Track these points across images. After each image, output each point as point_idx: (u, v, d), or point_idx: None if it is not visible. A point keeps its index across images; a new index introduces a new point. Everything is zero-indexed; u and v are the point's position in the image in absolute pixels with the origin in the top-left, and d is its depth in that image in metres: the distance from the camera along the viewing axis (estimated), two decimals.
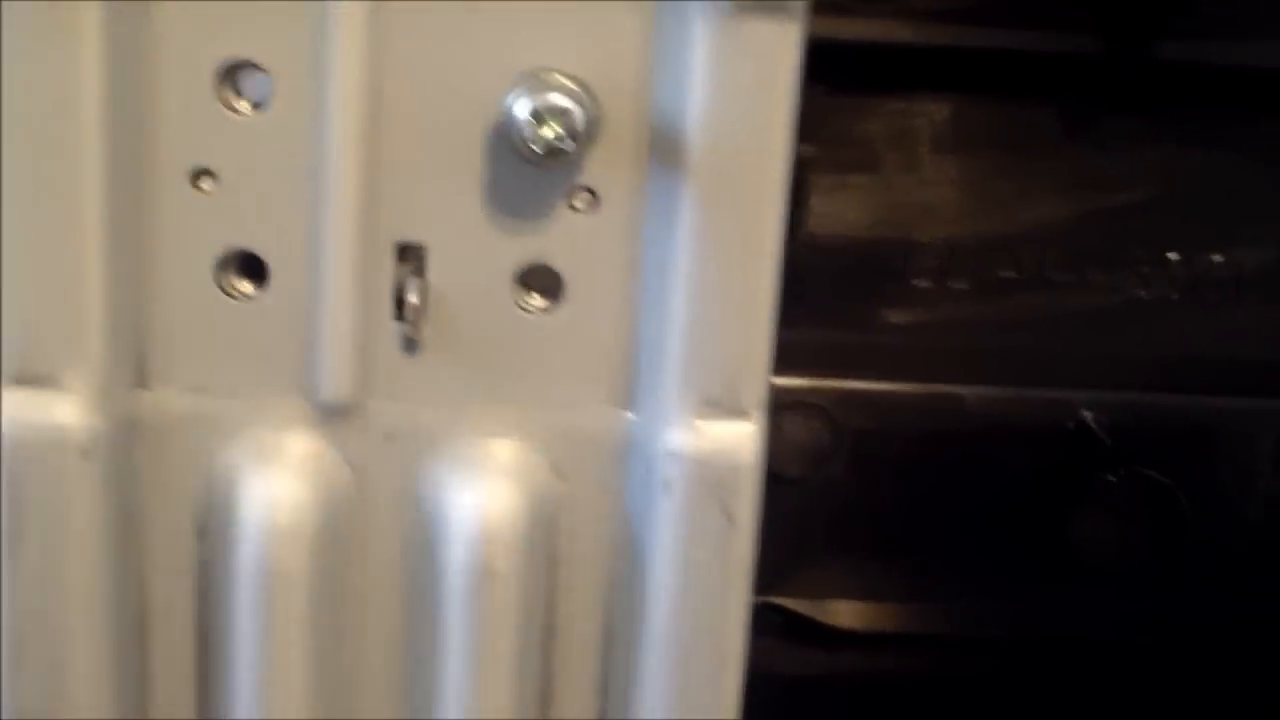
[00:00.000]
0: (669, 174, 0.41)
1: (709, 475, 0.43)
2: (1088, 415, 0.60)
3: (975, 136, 0.58)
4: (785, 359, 0.44)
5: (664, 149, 0.41)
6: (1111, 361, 0.60)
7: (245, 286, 0.43)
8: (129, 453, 0.43)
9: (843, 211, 0.57)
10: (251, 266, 0.43)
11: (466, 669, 0.44)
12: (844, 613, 0.62)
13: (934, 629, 0.63)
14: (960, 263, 0.59)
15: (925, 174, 0.58)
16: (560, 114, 0.39)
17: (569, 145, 0.39)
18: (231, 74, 0.41)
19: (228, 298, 0.42)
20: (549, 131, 0.39)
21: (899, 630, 0.63)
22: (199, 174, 0.41)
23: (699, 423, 0.43)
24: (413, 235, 0.42)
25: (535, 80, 0.40)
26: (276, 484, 0.43)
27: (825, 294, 0.58)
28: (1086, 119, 0.58)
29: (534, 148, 0.39)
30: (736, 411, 0.43)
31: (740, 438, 0.43)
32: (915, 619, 0.63)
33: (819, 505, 0.60)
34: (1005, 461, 0.60)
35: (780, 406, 0.44)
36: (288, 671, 0.44)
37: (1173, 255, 0.60)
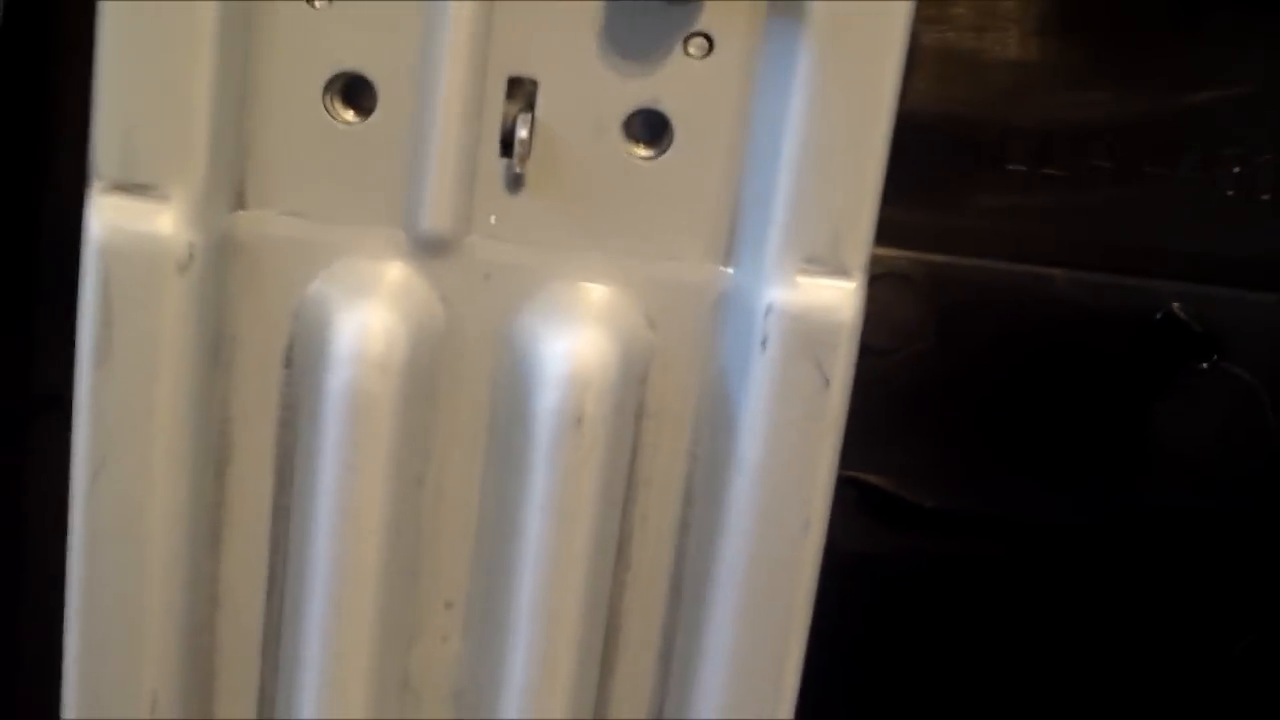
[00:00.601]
0: (787, 24, 0.41)
1: (807, 332, 0.42)
2: (1176, 306, 0.59)
3: (1078, 22, 0.57)
4: (880, 230, 0.43)
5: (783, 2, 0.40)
6: (1201, 257, 0.60)
7: (350, 113, 0.42)
8: (223, 272, 0.42)
9: (943, 89, 0.57)
10: (359, 91, 0.42)
11: (546, 515, 0.44)
12: (922, 489, 0.61)
13: (1014, 510, 0.63)
14: (1055, 148, 0.58)
15: (1026, 56, 0.57)
16: None
17: None
18: None
19: (334, 121, 0.42)
20: None
21: (975, 509, 0.63)
22: None
23: (800, 279, 0.42)
24: (525, 69, 0.41)
25: None
26: (369, 314, 0.42)
27: (922, 171, 0.57)
28: (1188, 9, 0.57)
29: None
30: (839, 270, 0.42)
31: (841, 296, 0.42)
32: (997, 499, 0.62)
33: (904, 379, 0.59)
34: (1093, 346, 0.60)
35: (872, 276, 0.43)
36: (367, 509, 0.44)
37: (1265, 156, 0.59)
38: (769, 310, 0.42)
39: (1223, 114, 0.58)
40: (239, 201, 0.42)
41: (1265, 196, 0.59)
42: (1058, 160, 0.58)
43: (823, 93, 0.41)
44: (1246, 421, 0.59)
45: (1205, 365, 0.58)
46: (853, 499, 0.60)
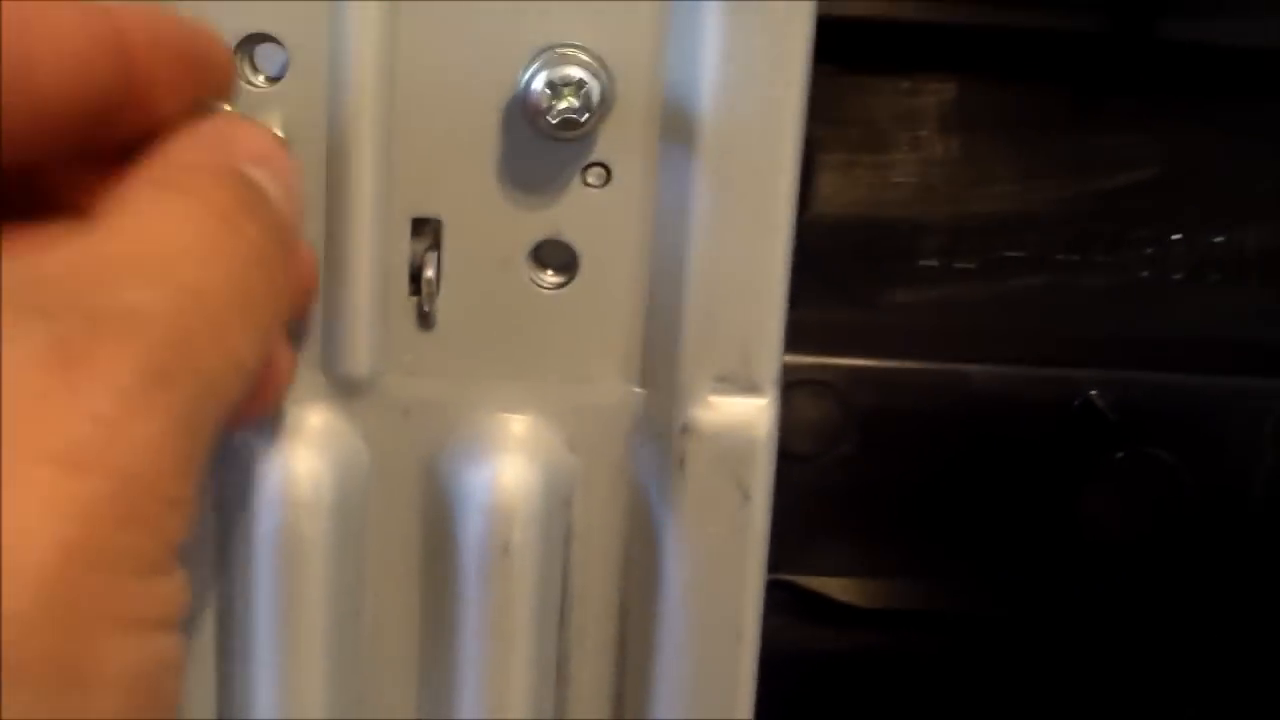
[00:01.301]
0: (682, 150, 0.41)
1: (723, 450, 0.43)
2: (1094, 394, 0.60)
3: (980, 116, 0.58)
4: (794, 337, 0.43)
5: (676, 125, 0.41)
6: (1116, 341, 0.61)
7: None
8: None
9: (851, 191, 0.58)
10: None
11: (483, 642, 0.44)
12: (854, 589, 0.62)
13: (942, 605, 0.63)
14: (966, 242, 0.59)
15: (932, 153, 0.58)
16: (576, 86, 0.39)
17: (584, 117, 0.39)
18: (248, 47, 0.40)
19: None
20: (564, 104, 0.39)
21: (908, 607, 0.63)
22: None
23: (712, 398, 0.43)
24: (429, 209, 0.42)
25: (552, 54, 0.40)
26: (294, 458, 0.43)
27: (832, 273, 0.58)
28: (1090, 99, 0.58)
29: (550, 119, 0.39)
30: (751, 387, 0.43)
31: (755, 413, 0.43)
32: (923, 596, 0.63)
33: (828, 482, 0.60)
34: (1012, 439, 0.61)
35: (789, 384, 0.44)
36: (307, 645, 0.44)
37: (1176, 236, 0.60)
38: (684, 430, 0.43)
39: (1130, 198, 0.60)
40: None
41: (1177, 276, 0.61)
42: (969, 253, 0.59)
43: (719, 212, 0.42)
44: (1170, 503, 0.60)
45: (1125, 451, 0.59)
46: (786, 601, 0.60)
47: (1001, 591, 0.63)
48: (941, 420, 0.60)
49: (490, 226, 0.42)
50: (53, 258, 0.27)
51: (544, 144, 0.41)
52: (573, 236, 0.43)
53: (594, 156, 0.42)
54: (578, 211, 0.42)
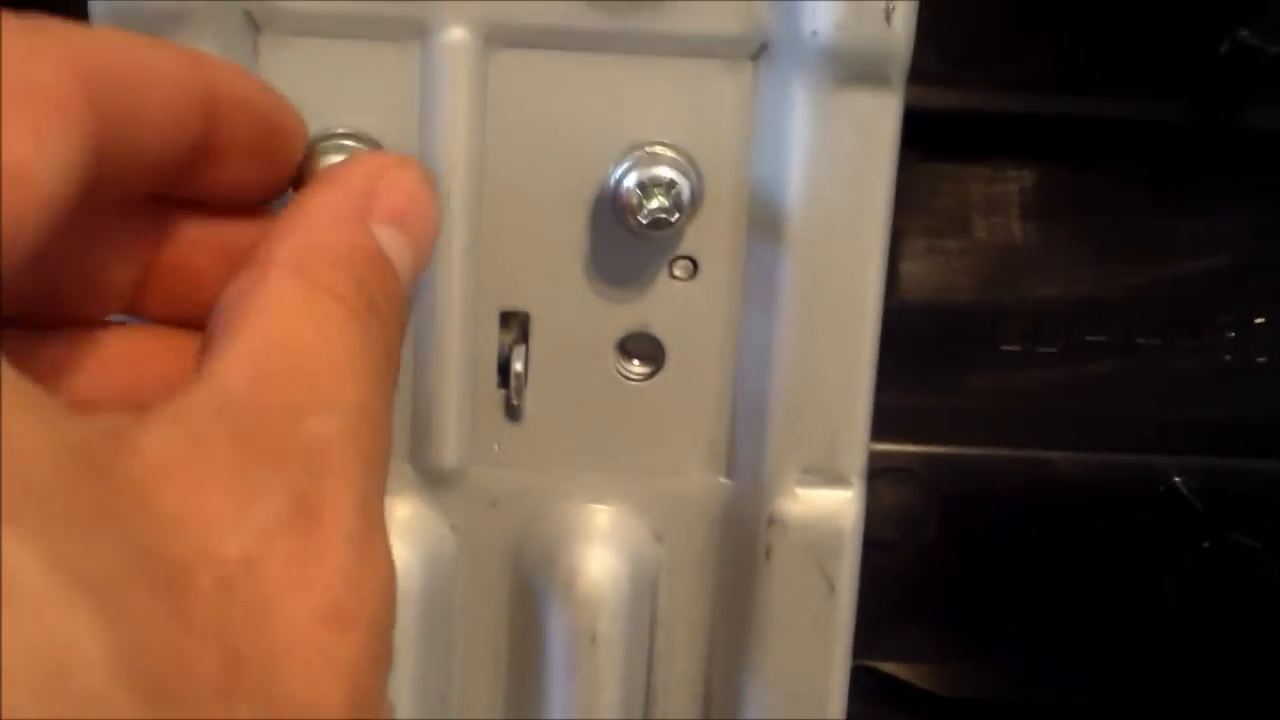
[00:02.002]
0: (768, 242, 0.42)
1: (810, 542, 0.44)
2: (1178, 480, 0.60)
3: (1061, 202, 0.58)
4: (876, 423, 0.44)
5: (763, 217, 0.42)
6: (1200, 426, 0.61)
7: None
8: None
9: (932, 276, 0.58)
10: None
11: None
12: (935, 676, 0.62)
13: (1022, 693, 0.63)
14: (1048, 327, 0.59)
15: (1012, 239, 0.58)
16: (667, 187, 0.40)
17: (674, 217, 0.40)
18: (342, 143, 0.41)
19: None
20: (655, 203, 0.40)
21: (988, 694, 0.63)
22: None
23: (799, 490, 0.43)
24: (517, 303, 0.43)
25: (642, 153, 0.40)
26: None
27: (914, 358, 0.58)
28: (1172, 184, 0.58)
29: (640, 219, 0.40)
30: (836, 479, 0.43)
31: (840, 505, 0.43)
32: (1004, 683, 0.63)
33: (910, 568, 0.60)
34: (1095, 526, 0.60)
35: (873, 471, 0.44)
36: None
37: (1259, 320, 0.60)
38: (770, 521, 0.43)
39: (1211, 281, 0.59)
40: None
41: (1261, 359, 0.60)
42: (1051, 338, 0.59)
43: (807, 305, 0.42)
44: (1258, 591, 0.59)
45: (1210, 538, 0.58)
46: (869, 687, 0.60)
47: (1084, 681, 0.62)
48: (1023, 507, 0.60)
49: (578, 319, 0.43)
50: (234, 377, 0.28)
51: (632, 239, 0.41)
52: (660, 329, 0.43)
53: (681, 250, 0.42)
54: (665, 304, 0.43)
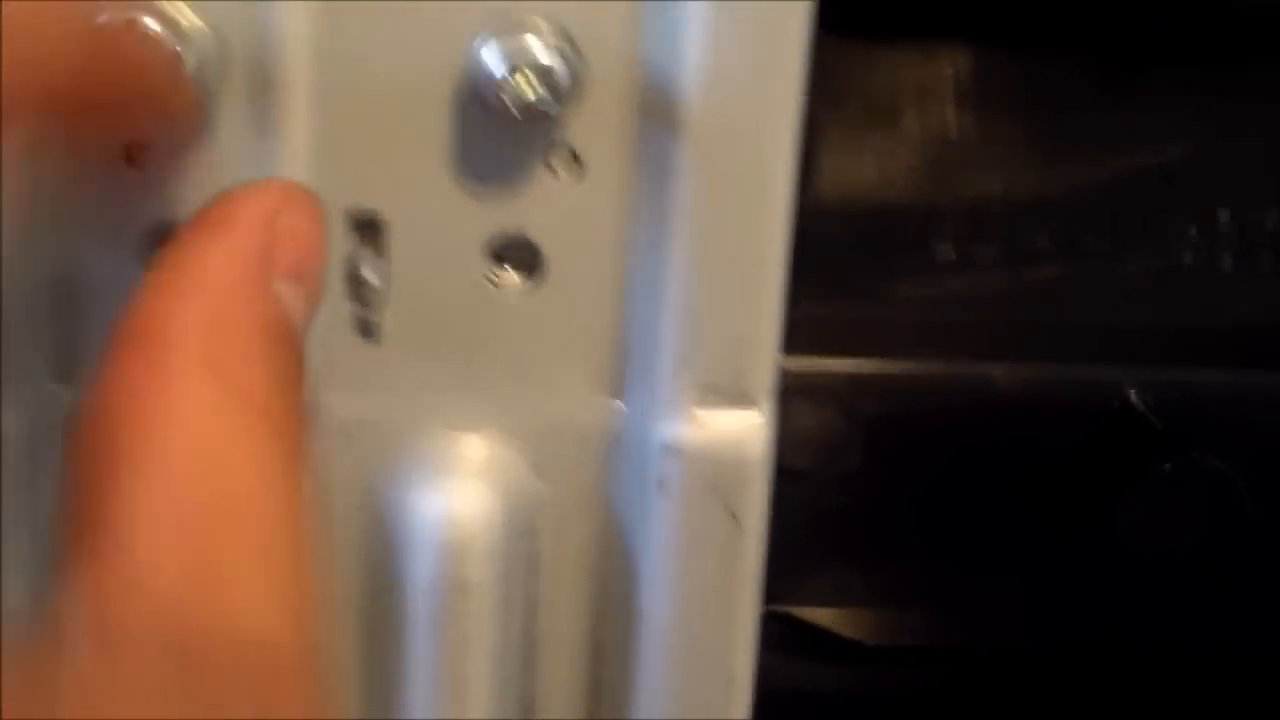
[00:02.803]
0: (661, 132, 0.40)
1: (711, 472, 0.42)
2: (1133, 394, 0.58)
3: (1001, 90, 0.56)
4: (789, 337, 0.42)
5: (656, 103, 0.40)
6: (1157, 335, 0.59)
7: None
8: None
9: (855, 172, 0.56)
10: None
11: (437, 693, 0.43)
12: (860, 622, 0.61)
13: (961, 639, 0.62)
14: (985, 228, 0.57)
15: (946, 131, 0.56)
16: (542, 71, 0.37)
17: (552, 107, 0.38)
18: None
19: None
20: (529, 92, 0.37)
21: (921, 642, 0.62)
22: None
23: (698, 412, 0.42)
24: (369, 205, 0.40)
25: (509, 23, 0.38)
26: None
27: (833, 264, 0.56)
28: (1125, 69, 0.56)
29: (511, 109, 0.37)
30: (741, 399, 0.42)
31: (746, 429, 0.42)
32: (940, 629, 0.61)
33: (829, 501, 0.58)
34: (1040, 448, 0.59)
35: (786, 391, 0.42)
36: None
37: (1223, 217, 0.58)
38: (666, 449, 0.42)
39: (1168, 176, 0.58)
40: (65, 377, 0.41)
41: (1225, 262, 0.58)
42: (989, 240, 0.57)
43: (706, 204, 0.40)
44: (1224, 517, 0.57)
45: (1172, 459, 0.57)
46: (781, 636, 0.58)
47: (1027, 623, 0.61)
48: (959, 429, 0.58)
49: (440, 221, 0.41)
50: (153, 542, 0.27)
51: (502, 129, 0.39)
52: (537, 232, 0.41)
53: (560, 141, 0.40)
54: (542, 203, 0.41)
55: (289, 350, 0.32)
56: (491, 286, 0.41)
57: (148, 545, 0.26)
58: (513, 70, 0.37)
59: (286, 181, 0.36)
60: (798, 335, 0.43)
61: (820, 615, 0.60)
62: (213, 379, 0.29)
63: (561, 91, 0.37)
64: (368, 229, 0.41)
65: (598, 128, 0.40)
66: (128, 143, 0.39)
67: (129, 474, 0.27)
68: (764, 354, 0.42)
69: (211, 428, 0.29)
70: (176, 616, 0.26)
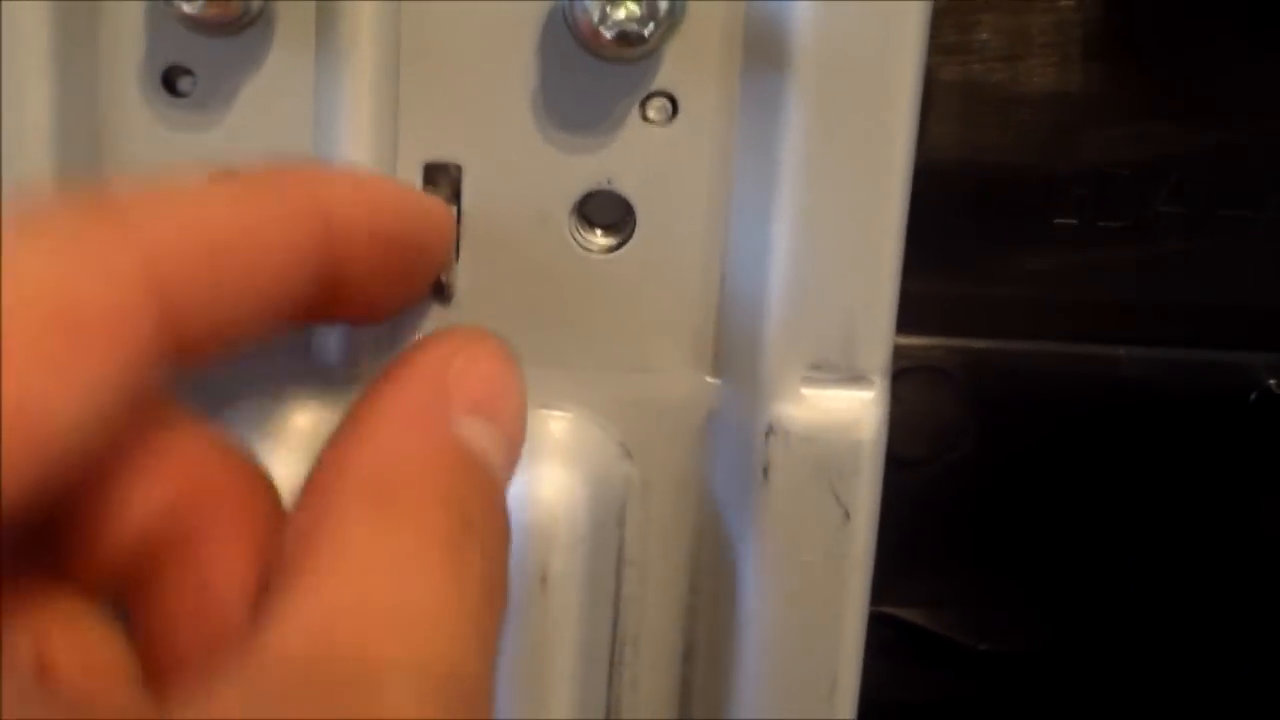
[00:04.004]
0: (768, 76, 0.38)
1: (819, 456, 0.40)
2: (1273, 384, 0.57)
3: (1132, 40, 0.54)
4: (901, 314, 0.40)
5: (762, 43, 0.38)
6: None
7: None
8: None
9: (971, 132, 0.54)
10: None
11: (515, 690, 0.41)
12: (971, 626, 0.59)
13: (1082, 646, 0.60)
14: (1112, 196, 0.55)
15: (1070, 86, 0.54)
16: None
17: (648, 29, 0.35)
18: None
19: None
20: (622, 11, 0.35)
21: (1036, 649, 0.60)
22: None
23: (806, 390, 0.40)
24: (445, 153, 0.38)
25: None
26: (274, 462, 0.39)
27: (947, 234, 0.54)
28: (1266, 20, 0.54)
29: (603, 32, 0.35)
30: (854, 376, 0.40)
31: (859, 410, 0.40)
32: (1058, 634, 0.60)
33: (945, 492, 0.57)
34: (1171, 439, 0.57)
35: (898, 370, 0.41)
36: None
37: None
38: (770, 431, 0.40)
39: None
40: None
41: None
42: (1115, 209, 0.55)
43: (817, 157, 0.38)
44: None
45: None
46: (887, 640, 0.57)
47: (1156, 627, 0.59)
48: (1082, 416, 0.57)
49: (524, 174, 0.39)
50: (293, 644, 0.26)
51: (594, 68, 0.37)
52: (628, 185, 0.39)
53: (657, 85, 0.38)
54: (635, 154, 0.39)
55: (476, 484, 0.31)
56: (579, 248, 0.39)
57: (293, 661, 0.26)
58: None
59: (469, 329, 0.36)
60: (904, 311, 0.41)
61: (928, 618, 0.59)
62: (380, 509, 0.29)
63: (659, 13, 0.35)
64: (446, 181, 0.39)
65: (698, 71, 0.38)
66: None
67: (289, 597, 0.27)
68: (879, 327, 0.40)
69: (374, 554, 0.28)
70: (305, 699, 0.25)
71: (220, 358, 0.30)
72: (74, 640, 0.30)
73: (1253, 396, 0.57)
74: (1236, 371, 0.57)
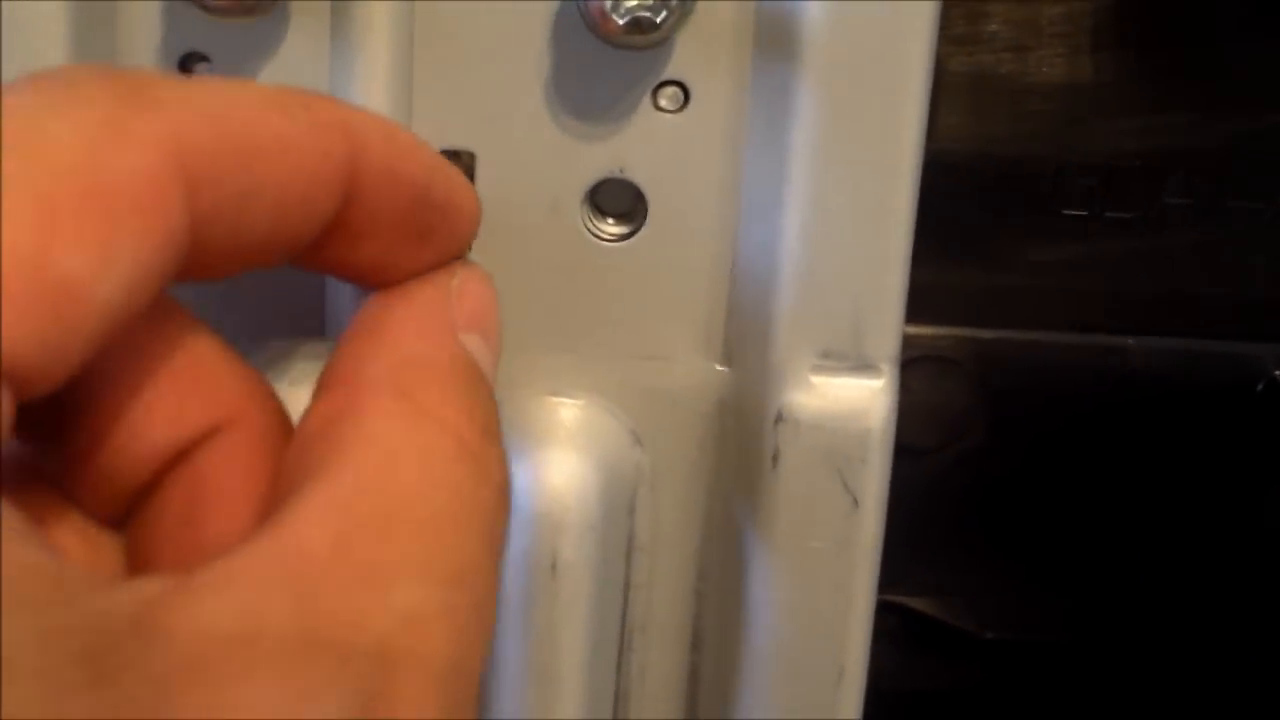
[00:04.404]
0: (779, 66, 0.38)
1: (828, 444, 0.40)
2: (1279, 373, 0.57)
3: (1142, 29, 0.54)
4: (909, 303, 0.40)
5: (773, 33, 0.38)
6: None
7: None
8: None
9: (980, 121, 0.54)
10: None
11: (524, 679, 0.41)
12: (980, 614, 0.59)
13: (1088, 633, 0.60)
14: (1121, 186, 0.55)
15: (1079, 78, 0.54)
16: None
17: (660, 16, 0.35)
18: None
19: None
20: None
21: (1044, 637, 0.60)
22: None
23: (815, 378, 0.40)
24: (456, 140, 0.39)
25: None
26: None
27: (956, 224, 0.54)
28: (1277, 10, 0.54)
29: (615, 19, 0.35)
30: (863, 364, 0.40)
31: (868, 397, 0.40)
32: (1066, 622, 0.60)
33: (951, 482, 0.57)
34: (1179, 429, 0.57)
35: (907, 360, 0.41)
36: None
37: None
38: (779, 418, 0.40)
39: None
40: None
41: None
42: (1124, 201, 0.55)
43: (827, 146, 0.38)
44: None
45: None
46: (894, 628, 0.57)
47: (1162, 616, 0.60)
48: (1090, 406, 0.57)
49: (537, 161, 0.39)
50: (313, 532, 0.26)
51: (606, 56, 0.38)
52: (640, 174, 0.39)
53: (668, 73, 0.39)
54: (646, 142, 0.39)
55: (482, 390, 0.32)
56: (590, 236, 0.40)
57: (313, 538, 0.26)
58: None
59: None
60: (913, 300, 0.41)
61: (937, 607, 0.59)
62: (405, 402, 0.29)
63: (672, 5, 0.36)
64: (459, 167, 0.38)
65: (709, 60, 0.38)
66: None
67: (311, 484, 0.27)
68: (888, 315, 0.40)
69: (400, 444, 0.28)
70: (328, 611, 0.25)
71: (228, 271, 0.30)
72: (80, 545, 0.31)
73: (1260, 387, 0.57)
74: (1244, 362, 0.57)
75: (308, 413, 0.30)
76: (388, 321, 0.32)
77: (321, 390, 0.30)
